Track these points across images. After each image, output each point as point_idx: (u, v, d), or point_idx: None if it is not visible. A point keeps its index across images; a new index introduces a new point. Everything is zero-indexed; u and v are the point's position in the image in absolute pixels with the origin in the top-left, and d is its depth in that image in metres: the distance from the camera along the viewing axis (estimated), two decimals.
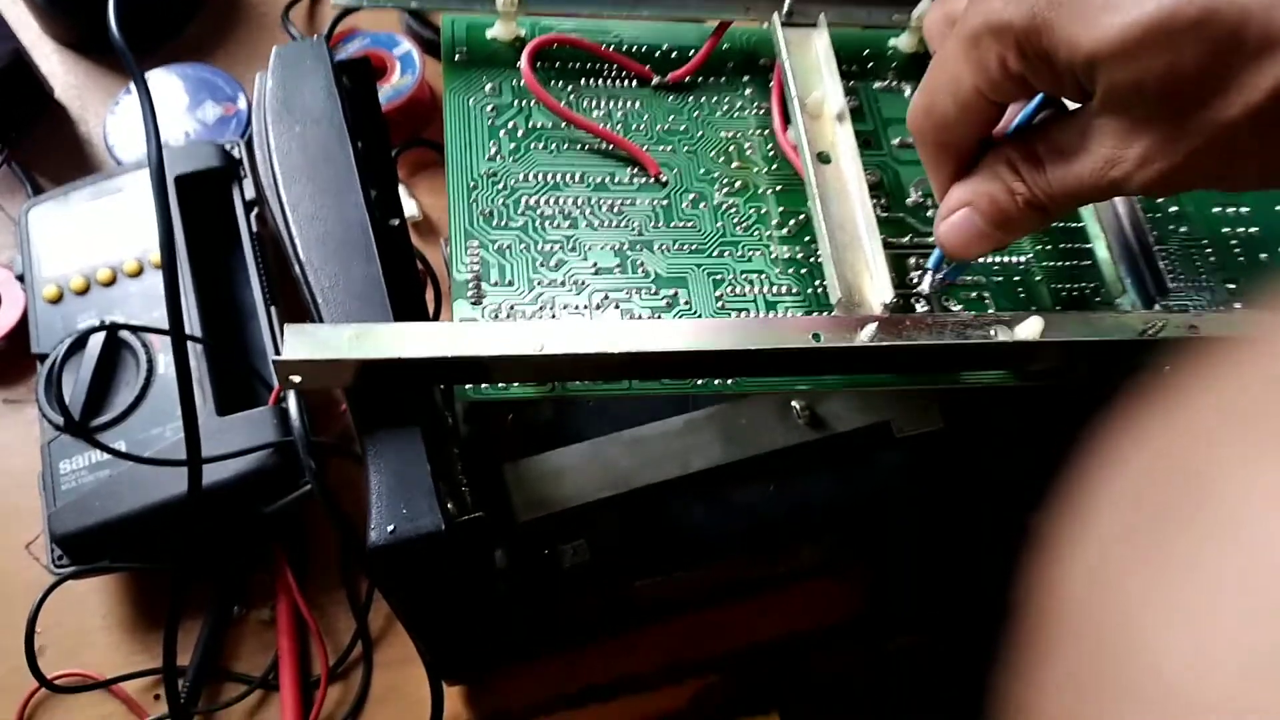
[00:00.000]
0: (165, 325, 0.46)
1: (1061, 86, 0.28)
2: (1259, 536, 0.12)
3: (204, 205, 0.52)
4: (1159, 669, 0.12)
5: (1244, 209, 0.43)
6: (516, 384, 0.34)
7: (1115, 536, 0.14)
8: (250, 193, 0.53)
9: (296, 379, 0.30)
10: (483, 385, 0.34)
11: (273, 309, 0.50)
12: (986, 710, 0.16)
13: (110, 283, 0.50)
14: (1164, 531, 0.13)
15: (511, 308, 0.35)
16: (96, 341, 0.47)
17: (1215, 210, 0.42)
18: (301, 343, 0.30)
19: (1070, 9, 0.26)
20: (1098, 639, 0.13)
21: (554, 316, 0.35)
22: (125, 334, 0.48)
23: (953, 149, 0.32)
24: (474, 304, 0.35)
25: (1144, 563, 0.13)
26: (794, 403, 0.41)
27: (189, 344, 0.45)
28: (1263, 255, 0.42)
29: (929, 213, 0.40)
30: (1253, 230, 0.43)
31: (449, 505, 0.31)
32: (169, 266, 0.36)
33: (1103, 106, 0.28)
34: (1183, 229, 0.42)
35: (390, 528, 0.30)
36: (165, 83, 0.58)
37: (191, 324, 0.48)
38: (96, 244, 0.51)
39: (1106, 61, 0.26)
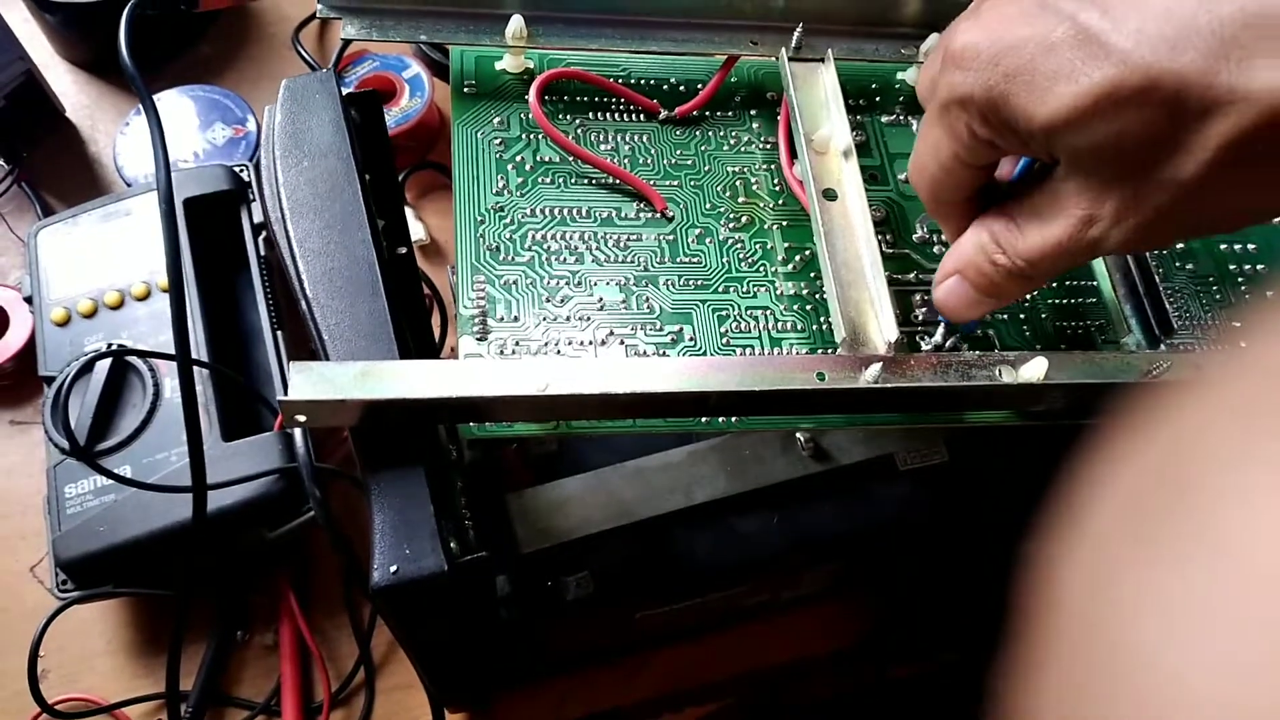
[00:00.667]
0: (172, 349, 0.47)
1: (1029, 150, 0.29)
2: (1247, 538, 0.12)
3: (212, 228, 0.52)
4: (1154, 670, 0.12)
5: (1250, 245, 0.43)
6: (520, 422, 0.34)
7: (1110, 539, 0.14)
8: (259, 216, 0.53)
9: (302, 418, 0.30)
10: (486, 424, 0.34)
11: (279, 333, 0.50)
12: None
13: (118, 306, 0.50)
14: (1157, 534, 0.13)
15: (517, 343, 0.35)
16: (103, 366, 0.47)
17: (1222, 247, 0.42)
18: (307, 382, 0.30)
19: (1022, 82, 0.27)
20: (1094, 640, 0.13)
21: (559, 352, 0.36)
22: (132, 358, 0.48)
23: (952, 204, 0.33)
24: (479, 340, 0.35)
25: (1138, 565, 0.13)
26: (798, 435, 0.42)
27: (195, 368, 0.46)
28: (1269, 293, 0.42)
29: (935, 249, 0.40)
30: (1259, 267, 0.43)
31: (452, 544, 0.31)
32: (176, 294, 0.36)
33: (1068, 170, 0.29)
34: (1189, 266, 0.42)
35: (393, 568, 0.30)
36: (176, 104, 0.59)
37: (198, 349, 0.48)
38: (105, 266, 0.51)
39: (1061, 131, 0.27)
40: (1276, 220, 0.43)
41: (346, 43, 0.61)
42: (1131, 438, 0.15)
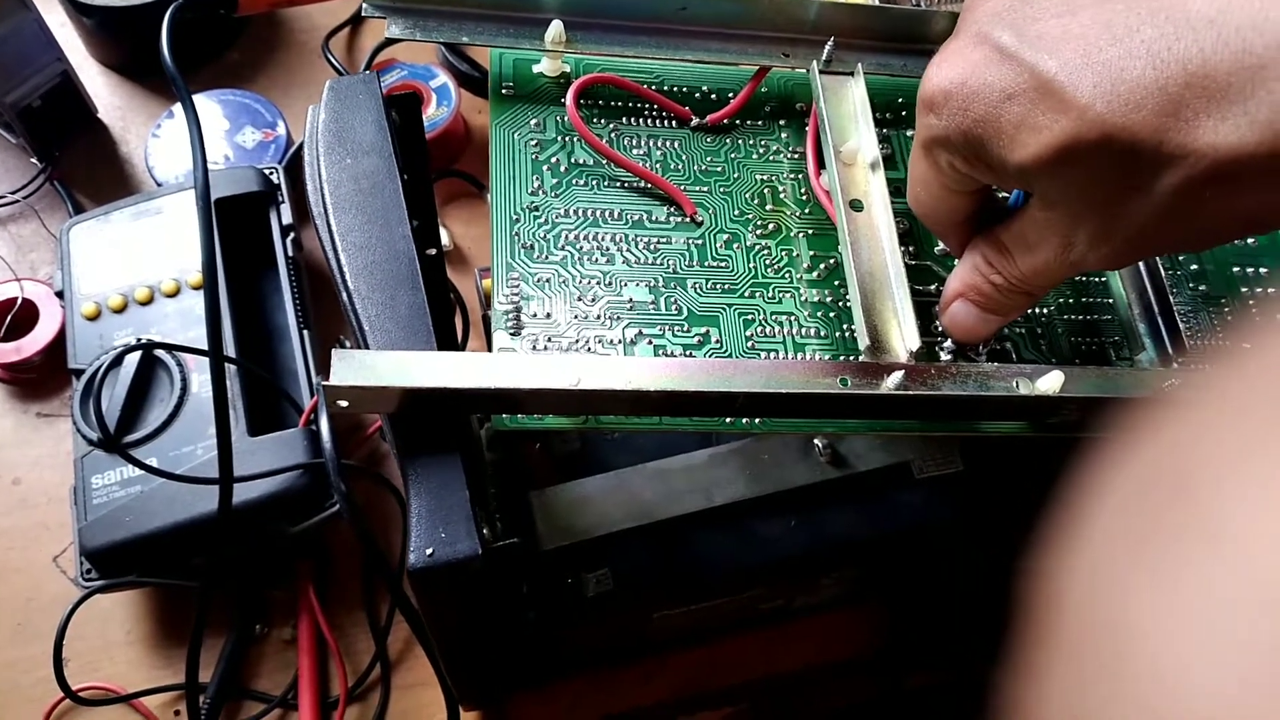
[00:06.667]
0: (201, 344, 0.47)
1: (1008, 184, 0.32)
2: (1247, 535, 0.12)
3: (241, 228, 0.53)
4: (1157, 670, 0.12)
5: (1263, 270, 0.44)
6: (551, 415, 0.35)
7: (1112, 539, 0.14)
8: (287, 218, 0.54)
9: (344, 403, 0.31)
10: (518, 415, 0.35)
11: (305, 332, 0.51)
12: None
13: (148, 301, 0.51)
14: (1158, 534, 0.14)
15: (549, 339, 0.36)
16: (133, 359, 0.48)
17: (1235, 270, 0.43)
18: (349, 368, 0.31)
19: (994, 128, 0.29)
20: (1097, 640, 0.14)
21: (590, 350, 0.36)
22: (160, 352, 0.48)
23: (952, 226, 0.35)
24: (513, 335, 0.36)
25: (1140, 565, 0.13)
26: (816, 440, 0.42)
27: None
28: (1279, 315, 0.43)
29: (956, 262, 0.41)
30: (1270, 290, 0.43)
31: (484, 531, 0.32)
32: (210, 291, 0.37)
33: (1042, 204, 0.31)
34: (1202, 287, 0.43)
35: (429, 550, 0.30)
36: (206, 108, 0.60)
37: (227, 345, 0.49)
38: (135, 263, 0.52)
39: (1032, 174, 0.29)
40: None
41: (376, 51, 0.63)
42: (1132, 439, 0.15)
